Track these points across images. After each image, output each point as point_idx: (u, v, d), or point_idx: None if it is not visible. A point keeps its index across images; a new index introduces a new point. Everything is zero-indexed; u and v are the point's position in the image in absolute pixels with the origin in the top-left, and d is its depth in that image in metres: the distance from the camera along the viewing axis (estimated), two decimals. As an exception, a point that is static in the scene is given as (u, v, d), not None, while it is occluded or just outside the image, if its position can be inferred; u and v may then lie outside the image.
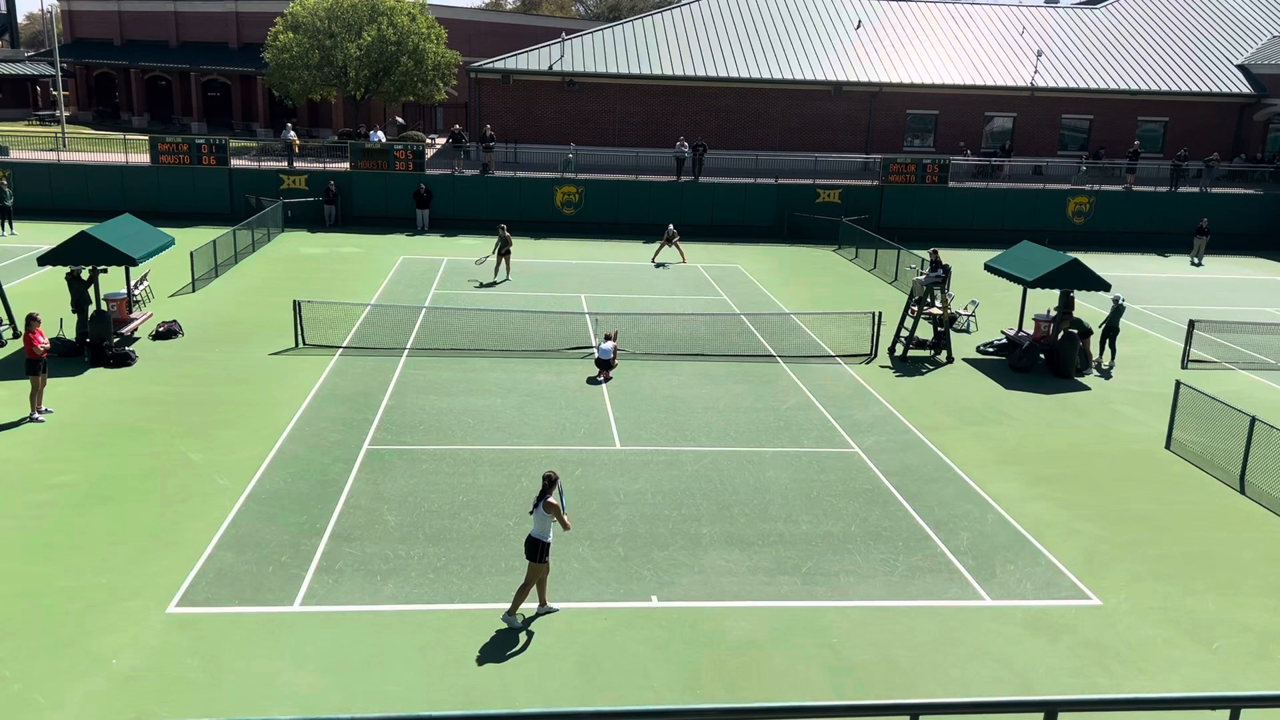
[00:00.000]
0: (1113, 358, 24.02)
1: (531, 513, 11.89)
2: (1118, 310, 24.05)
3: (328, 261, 33.22)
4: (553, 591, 12.75)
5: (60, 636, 11.37)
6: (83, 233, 21.58)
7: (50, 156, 41.26)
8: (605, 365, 21.75)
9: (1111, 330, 23.96)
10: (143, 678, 10.71)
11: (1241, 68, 51.21)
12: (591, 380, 21.25)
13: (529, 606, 12.20)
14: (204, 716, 10.03)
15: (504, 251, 30.79)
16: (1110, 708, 5.11)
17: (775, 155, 45.25)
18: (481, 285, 30.04)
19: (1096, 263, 31.72)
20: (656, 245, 35.69)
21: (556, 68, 46.67)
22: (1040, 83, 48.78)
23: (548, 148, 44.67)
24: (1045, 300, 26.16)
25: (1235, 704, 5.13)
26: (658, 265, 34.45)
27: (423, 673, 11.01)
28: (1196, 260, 39.22)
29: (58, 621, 11.66)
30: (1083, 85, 49.13)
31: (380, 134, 44.68)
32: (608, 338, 22.23)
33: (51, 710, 10.09)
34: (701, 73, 47.26)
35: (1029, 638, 12.20)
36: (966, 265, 31.88)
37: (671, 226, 35.27)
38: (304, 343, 23.02)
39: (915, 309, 24.25)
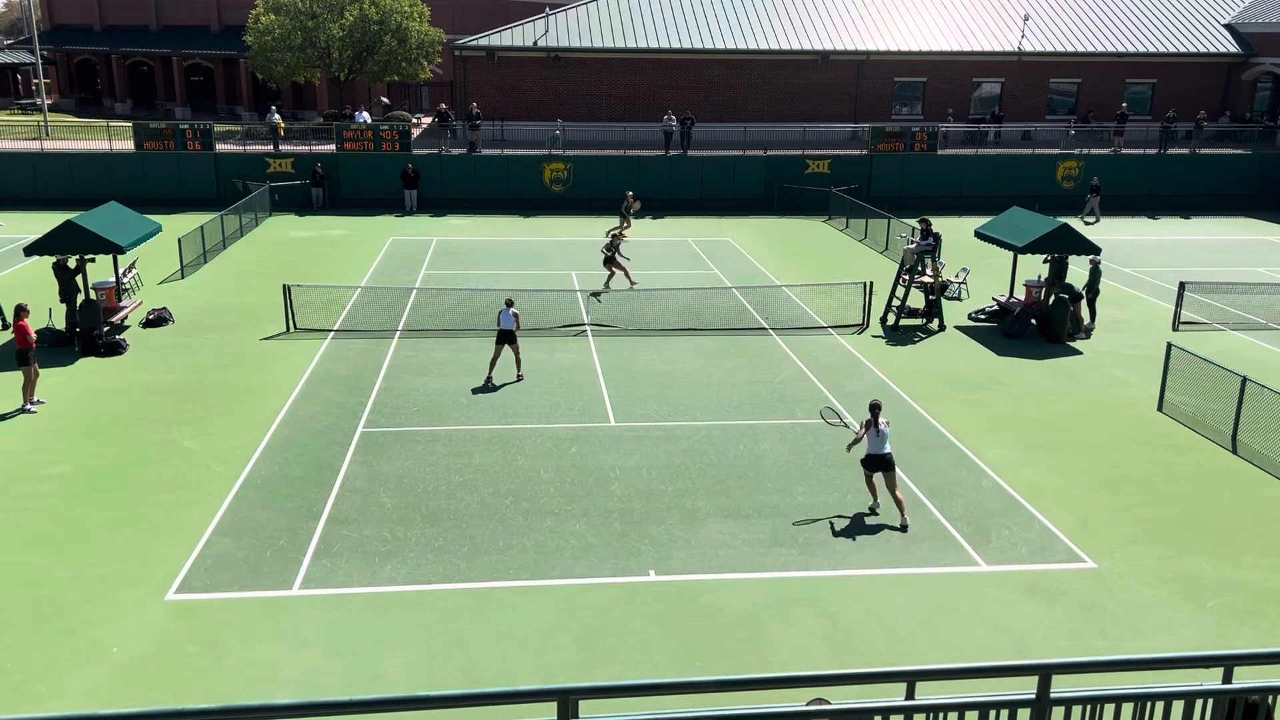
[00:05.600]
0: (1092, 319, 24.11)
1: (876, 437, 14.03)
2: (1096, 272, 24.17)
3: (316, 244, 33.07)
4: (549, 568, 12.83)
5: (60, 627, 11.39)
6: (68, 222, 21.43)
7: (33, 145, 40.92)
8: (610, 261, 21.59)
9: (1091, 291, 24.06)
10: (144, 666, 10.74)
11: (1229, 27, 50.98)
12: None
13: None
14: (206, 702, 10.07)
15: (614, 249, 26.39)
16: (1104, 669, 5.14)
17: (763, 127, 45.02)
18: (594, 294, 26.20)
19: (1086, 227, 31.74)
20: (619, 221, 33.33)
21: (541, 43, 46.31)
22: (1028, 47, 48.55)
23: (535, 125, 44.41)
24: (1036, 266, 26.17)
25: (1228, 662, 5.18)
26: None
27: (424, 653, 11.06)
28: (1090, 218, 38.33)
29: (57, 612, 11.68)
30: (1070, 49, 48.90)
31: (365, 115, 44.37)
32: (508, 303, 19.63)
33: (53, 700, 10.12)
34: (687, 44, 46.93)
35: (1025, 602, 12.29)
36: (957, 233, 31.85)
37: (630, 195, 33.97)
38: (295, 327, 22.95)
39: (906, 278, 24.25)
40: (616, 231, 27.05)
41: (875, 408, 14.22)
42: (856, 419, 18.27)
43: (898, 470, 14.38)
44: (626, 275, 26.72)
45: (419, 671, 10.72)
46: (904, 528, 13.99)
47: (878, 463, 14.16)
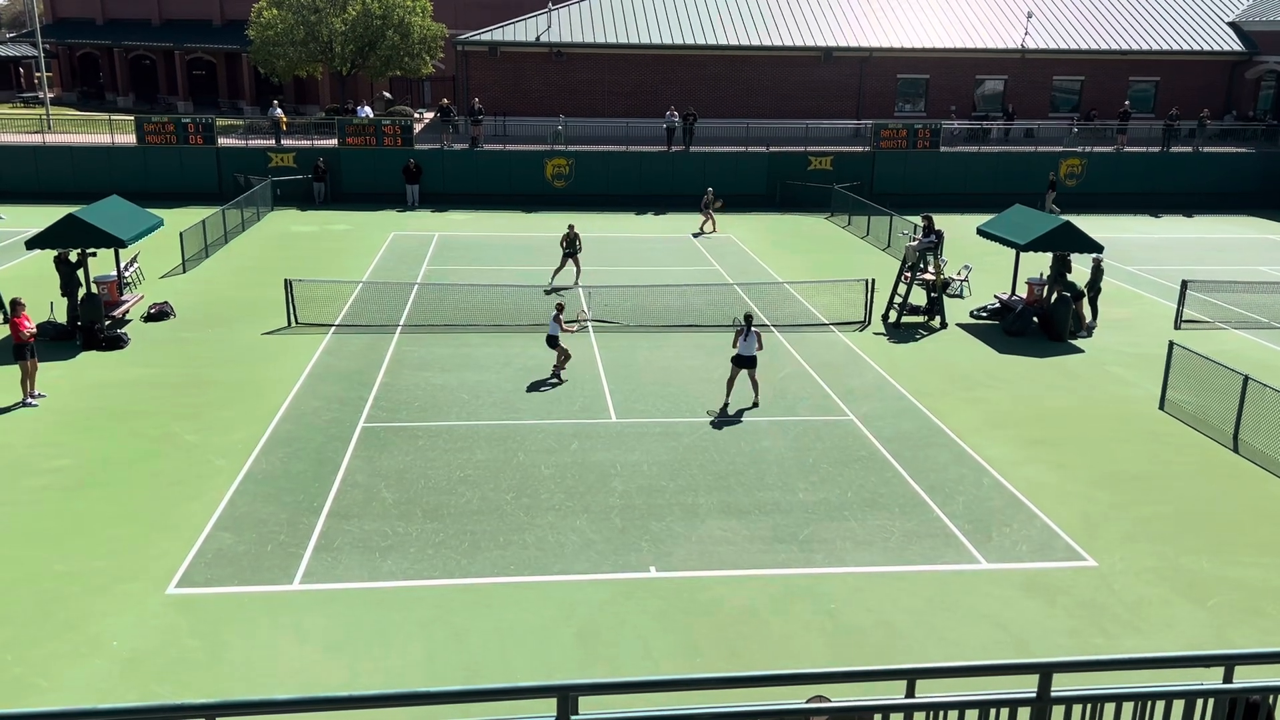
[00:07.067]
0: (1094, 317, 24.09)
1: (744, 341, 17.64)
2: (1098, 270, 24.15)
3: (318, 239, 33.06)
4: (550, 564, 12.84)
5: (60, 620, 11.40)
6: (70, 215, 21.44)
7: (35, 139, 40.90)
8: None
9: (1093, 289, 24.04)
10: (144, 659, 10.75)
11: (1233, 25, 50.88)
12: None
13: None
14: (206, 697, 10.06)
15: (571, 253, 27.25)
16: (1104, 668, 5.13)
17: (766, 123, 44.95)
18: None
19: (1089, 224, 31.62)
20: (701, 217, 35.81)
21: (544, 38, 46.25)
22: (1031, 44, 48.45)
23: (537, 120, 44.37)
24: (1038, 264, 26.12)
25: (1229, 661, 5.17)
26: (696, 235, 34.93)
27: (424, 648, 11.06)
28: (1054, 209, 38.02)
29: (57, 605, 11.69)
30: (1074, 46, 48.81)
31: (368, 109, 44.34)
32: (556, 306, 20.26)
33: (54, 693, 10.12)
34: (690, 41, 46.86)
35: (1025, 600, 12.28)
36: (959, 230, 31.80)
37: (711, 191, 35.68)
38: (296, 321, 22.94)
39: (908, 275, 24.23)
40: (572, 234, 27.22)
41: (748, 319, 18.02)
42: (854, 413, 18.27)
43: (757, 369, 18.12)
44: (564, 271, 27.09)
45: (419, 667, 10.72)
46: (755, 404, 18.10)
47: (744, 361, 17.88)
